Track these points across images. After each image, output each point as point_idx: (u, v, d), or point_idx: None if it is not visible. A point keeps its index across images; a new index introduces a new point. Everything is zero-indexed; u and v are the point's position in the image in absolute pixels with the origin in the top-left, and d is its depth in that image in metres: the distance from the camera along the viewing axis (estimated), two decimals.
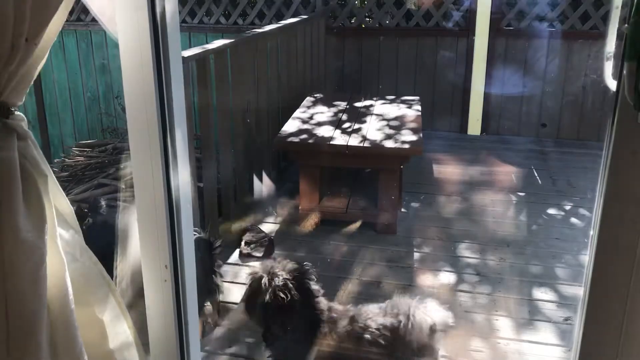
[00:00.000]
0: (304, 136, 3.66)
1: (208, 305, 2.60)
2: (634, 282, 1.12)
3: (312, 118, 4.06)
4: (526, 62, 5.66)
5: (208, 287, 2.54)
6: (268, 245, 3.47)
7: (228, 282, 3.16)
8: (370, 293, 3.03)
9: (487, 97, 5.76)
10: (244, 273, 3.23)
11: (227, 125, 3.64)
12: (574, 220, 4.02)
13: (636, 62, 0.99)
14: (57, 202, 1.34)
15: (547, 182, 4.66)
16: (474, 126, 5.86)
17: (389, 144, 3.51)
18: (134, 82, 1.33)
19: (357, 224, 3.69)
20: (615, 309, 1.14)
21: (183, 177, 1.46)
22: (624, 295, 1.13)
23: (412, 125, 3.91)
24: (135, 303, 1.64)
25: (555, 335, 2.73)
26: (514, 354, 2.61)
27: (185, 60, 3.01)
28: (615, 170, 1.12)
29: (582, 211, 4.13)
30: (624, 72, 1.01)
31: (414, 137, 3.62)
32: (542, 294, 3.07)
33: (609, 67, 1.14)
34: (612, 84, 1.12)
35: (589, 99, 5.61)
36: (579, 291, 3.17)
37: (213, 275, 2.54)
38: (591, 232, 1.19)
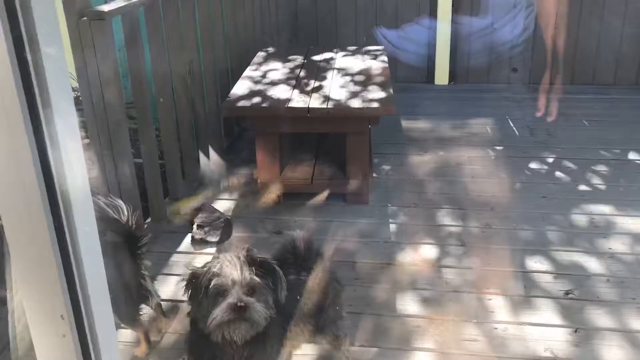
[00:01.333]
0: (257, 99, 3.17)
1: (144, 314, 2.15)
2: None
3: (265, 77, 3.56)
4: (495, 3, 5.21)
5: (137, 294, 2.08)
6: (224, 227, 3.02)
7: (177, 274, 2.70)
8: (344, 277, 2.64)
9: (454, 43, 5.33)
10: (197, 262, 2.79)
11: (166, 91, 3.11)
12: (558, 174, 3.69)
13: None
14: None
15: (524, 133, 4.31)
16: (442, 75, 5.44)
17: (356, 104, 3.06)
18: None
19: (325, 195, 3.27)
20: None
21: (75, 171, 0.98)
22: None
23: (380, 79, 3.46)
24: None
25: (557, 313, 2.40)
26: (514, 340, 2.27)
27: (106, 16, 2.47)
28: None
29: (567, 163, 3.80)
30: None
31: (383, 94, 3.18)
32: (536, 264, 2.74)
33: None
34: None
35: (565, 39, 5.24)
36: (577, 257, 2.87)
37: (141, 280, 2.07)
38: None
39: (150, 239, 2.17)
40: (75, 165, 0.96)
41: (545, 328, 2.33)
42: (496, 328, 2.34)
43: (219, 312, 1.59)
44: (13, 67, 0.82)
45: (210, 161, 3.68)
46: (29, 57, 0.84)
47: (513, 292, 2.56)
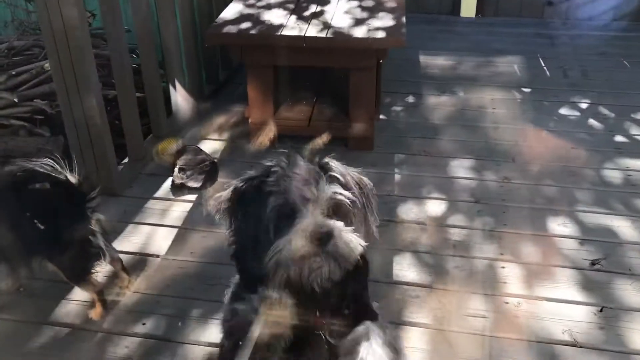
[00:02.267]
0: (247, 25, 2.75)
1: (95, 273, 1.86)
2: None
3: (260, 2, 3.12)
4: None
5: (84, 252, 1.82)
6: (209, 171, 2.69)
7: (150, 224, 2.41)
8: None
9: None
10: (175, 211, 2.50)
11: (145, 9, 2.71)
12: (592, 122, 3.25)
13: None
14: None
15: (557, 74, 3.83)
16: (469, 6, 4.90)
17: (360, 33, 2.63)
18: None
19: (324, 139, 2.89)
20: None
21: None
22: None
23: (391, 5, 3.01)
24: None
25: (580, 288, 2.06)
26: (527, 318, 1.94)
27: None
28: None
29: (602, 110, 3.36)
30: None
31: (392, 23, 2.74)
32: (559, 227, 2.38)
33: None
34: None
35: None
36: (608, 221, 2.48)
37: (90, 237, 1.80)
38: None
39: (101, 191, 1.92)
40: None
41: (565, 305, 1.99)
42: (507, 302, 2.01)
43: (286, 243, 1.12)
44: None
45: (201, 96, 3.31)
46: None
47: (530, 259, 2.21)
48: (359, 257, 1.18)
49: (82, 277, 1.86)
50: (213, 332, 1.86)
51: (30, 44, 3.10)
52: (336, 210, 1.16)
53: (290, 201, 1.13)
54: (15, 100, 2.78)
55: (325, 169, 1.18)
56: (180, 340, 1.87)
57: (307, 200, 1.13)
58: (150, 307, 1.99)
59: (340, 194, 1.15)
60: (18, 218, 1.72)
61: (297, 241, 1.11)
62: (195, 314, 1.97)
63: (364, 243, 1.17)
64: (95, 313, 1.96)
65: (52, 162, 1.73)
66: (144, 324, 1.93)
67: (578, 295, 2.03)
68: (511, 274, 2.13)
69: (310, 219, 1.12)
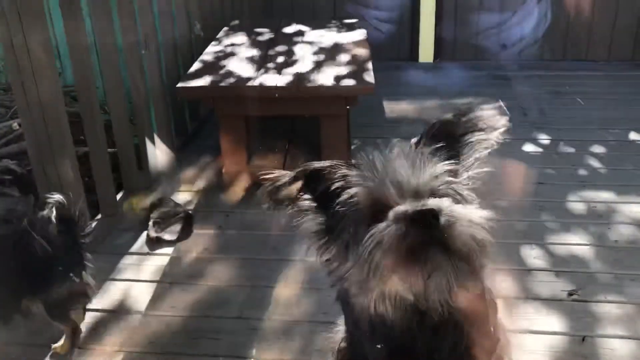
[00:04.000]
0: (217, 78, 2.79)
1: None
2: None
3: (230, 53, 3.18)
4: None
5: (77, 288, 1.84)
6: (184, 223, 2.68)
7: (127, 280, 2.37)
8: (320, 279, 2.31)
9: (439, 17, 4.97)
10: (151, 265, 2.45)
11: (114, 69, 2.73)
12: (555, 157, 3.38)
13: None
14: None
15: (517, 114, 3.98)
16: (426, 52, 5.09)
17: (332, 82, 2.71)
18: None
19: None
20: None
21: None
22: None
23: (358, 55, 3.11)
24: None
25: (561, 318, 2.10)
26: (513, 351, 1.96)
27: None
28: None
29: (563, 145, 3.50)
30: None
31: (362, 71, 2.83)
32: (534, 260, 2.43)
33: None
34: None
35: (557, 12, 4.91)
36: (580, 251, 2.54)
37: (83, 272, 1.83)
38: None
39: (92, 229, 1.98)
40: None
41: (548, 336, 2.02)
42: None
43: (384, 231, 0.84)
44: None
45: (172, 148, 3.31)
46: None
47: (509, 293, 2.25)
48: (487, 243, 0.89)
49: (66, 313, 1.86)
50: None
51: None
52: (445, 195, 0.93)
53: (378, 192, 0.89)
54: None
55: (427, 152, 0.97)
56: None
57: (401, 189, 0.89)
58: None
59: (448, 176, 0.93)
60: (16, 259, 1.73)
61: (394, 229, 0.83)
62: None
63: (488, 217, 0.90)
64: (62, 348, 1.93)
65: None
66: None
67: (559, 326, 2.06)
68: None
69: (407, 204, 0.85)
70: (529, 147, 3.50)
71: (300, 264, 2.41)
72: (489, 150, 1.11)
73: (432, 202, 0.86)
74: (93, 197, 2.73)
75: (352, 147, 3.44)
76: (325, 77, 2.76)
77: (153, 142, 3.13)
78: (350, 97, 2.70)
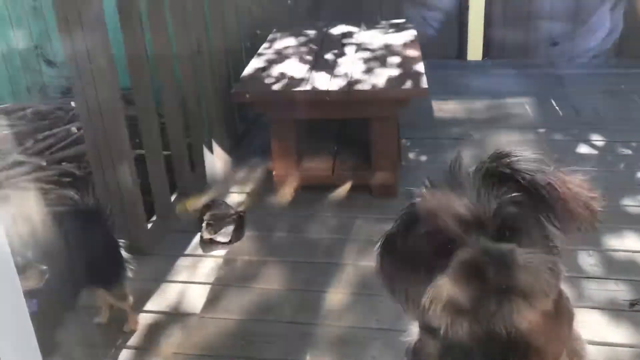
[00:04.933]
0: (270, 82, 2.82)
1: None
2: None
3: (280, 57, 3.20)
4: None
5: (122, 264, 2.06)
6: (237, 225, 2.72)
7: (183, 282, 2.42)
8: (372, 284, 2.31)
9: (488, 14, 4.88)
10: (205, 267, 2.50)
11: (169, 75, 2.79)
12: (611, 159, 3.28)
13: None
14: None
15: (569, 113, 3.88)
16: (475, 50, 5.00)
17: (383, 85, 2.70)
18: None
19: (348, 188, 2.93)
20: None
21: None
22: None
23: (409, 56, 3.09)
24: None
25: (624, 330, 2.04)
26: None
27: None
28: None
29: (620, 147, 3.39)
30: None
31: (413, 73, 2.81)
32: (591, 268, 2.37)
33: None
34: None
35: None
36: (639, 258, 2.47)
37: (119, 252, 2.06)
38: None
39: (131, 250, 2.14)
40: None
41: (609, 348, 1.97)
42: None
43: (439, 288, 0.83)
44: None
45: (224, 152, 3.36)
46: None
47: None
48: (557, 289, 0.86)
49: (123, 287, 2.06)
50: None
51: (54, 107, 3.17)
52: (514, 227, 0.86)
53: (439, 228, 0.84)
54: (44, 163, 2.82)
55: (494, 169, 0.90)
56: None
57: (463, 222, 0.83)
58: None
59: (514, 203, 0.84)
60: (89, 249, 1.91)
61: (455, 281, 0.80)
62: None
63: (562, 267, 0.86)
64: (132, 323, 2.12)
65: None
66: None
67: (621, 337, 2.01)
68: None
69: (470, 246, 0.81)
70: (582, 149, 3.40)
71: (352, 268, 2.42)
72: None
73: (494, 247, 0.82)
74: (148, 199, 2.79)
75: (403, 147, 3.43)
76: (377, 80, 2.75)
77: (205, 145, 3.18)
78: (402, 99, 2.69)
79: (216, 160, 3.25)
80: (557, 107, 3.98)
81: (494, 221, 0.84)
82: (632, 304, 2.15)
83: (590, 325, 2.06)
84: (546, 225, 0.90)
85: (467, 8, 4.86)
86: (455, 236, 0.84)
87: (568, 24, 4.84)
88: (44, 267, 1.69)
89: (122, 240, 2.10)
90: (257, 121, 3.88)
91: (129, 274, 2.08)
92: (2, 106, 3.22)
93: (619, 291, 2.22)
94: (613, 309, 2.13)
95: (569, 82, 4.44)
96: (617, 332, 2.02)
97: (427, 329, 0.96)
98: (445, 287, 0.82)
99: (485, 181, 0.88)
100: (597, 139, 3.50)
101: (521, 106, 4.05)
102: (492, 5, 4.85)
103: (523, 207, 0.86)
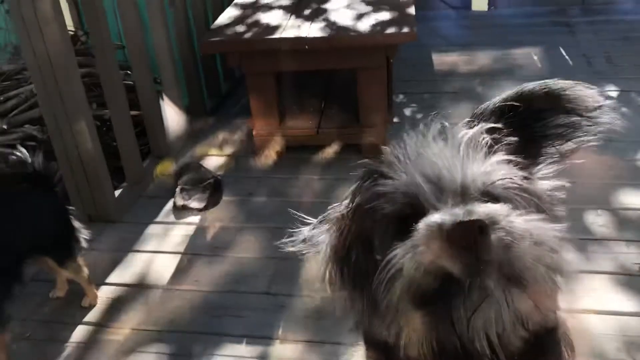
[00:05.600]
0: (243, 30, 2.56)
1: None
2: None
3: (258, 4, 2.93)
4: None
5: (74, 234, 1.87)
6: (213, 190, 2.50)
7: (150, 251, 2.22)
8: None
9: None
10: (176, 235, 2.30)
11: (135, 23, 2.53)
12: (625, 110, 2.99)
13: None
14: None
15: (580, 63, 3.58)
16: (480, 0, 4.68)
17: (368, 29, 2.43)
18: None
19: (335, 148, 2.70)
20: None
21: None
22: None
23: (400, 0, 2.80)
24: None
25: (633, 296, 1.81)
26: (576, 336, 1.70)
27: None
28: None
29: (635, 97, 3.11)
30: None
31: (403, 17, 2.53)
32: (601, 229, 2.14)
33: None
34: None
35: None
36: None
37: (68, 220, 1.86)
38: None
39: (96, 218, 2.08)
40: None
41: (617, 318, 1.75)
42: None
43: (408, 254, 0.62)
44: None
45: (202, 109, 3.13)
46: None
47: (571, 267, 1.97)
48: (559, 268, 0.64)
49: (75, 259, 1.86)
50: None
51: (20, 67, 2.95)
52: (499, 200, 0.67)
53: (411, 195, 0.66)
54: (5, 127, 2.62)
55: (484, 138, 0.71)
56: None
57: (441, 190, 0.65)
58: (151, 346, 1.79)
59: (506, 173, 0.67)
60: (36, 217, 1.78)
61: (429, 246, 0.60)
62: (200, 351, 1.76)
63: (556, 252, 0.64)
64: (91, 297, 1.95)
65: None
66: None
67: (630, 305, 1.79)
68: None
69: (447, 211, 0.62)
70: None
71: None
72: (588, 142, 0.79)
73: (482, 209, 0.61)
74: (120, 164, 2.59)
75: (397, 101, 3.18)
76: (362, 26, 2.48)
77: (182, 104, 2.95)
78: (390, 46, 2.42)
79: (194, 121, 3.01)
80: (567, 57, 3.69)
81: (478, 192, 0.66)
82: None
83: (598, 293, 1.84)
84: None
85: None
86: (427, 205, 0.65)
87: None
88: None
89: (73, 208, 1.92)
90: (243, 80, 3.62)
91: (83, 244, 1.89)
92: None
93: (630, 254, 1.99)
94: (623, 274, 1.91)
95: (580, 29, 4.12)
96: (627, 300, 1.80)
97: (374, 342, 0.75)
98: (406, 259, 0.61)
99: (474, 138, 0.70)
100: (611, 89, 3.22)
101: (528, 57, 3.76)
102: None
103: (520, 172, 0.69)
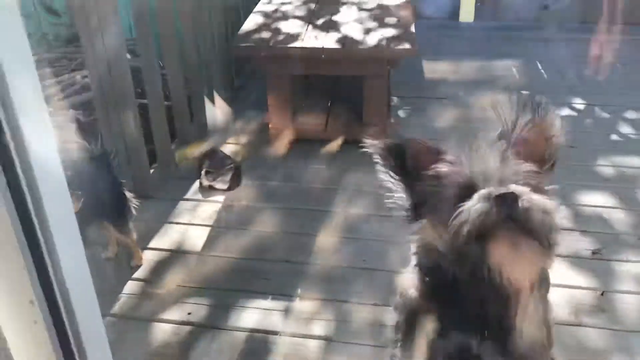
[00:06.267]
0: (267, 38, 2.95)
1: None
2: None
3: (278, 12, 3.32)
4: None
5: (125, 202, 2.25)
6: (234, 173, 2.89)
7: (184, 223, 2.60)
8: (359, 229, 2.52)
9: None
10: (205, 211, 2.68)
11: (170, 28, 2.90)
12: (588, 121, 3.47)
13: None
14: None
15: (554, 77, 4.05)
16: (467, 11, 5.11)
17: (375, 43, 2.84)
18: None
19: (340, 142, 3.10)
20: None
21: (41, 141, 0.83)
22: None
23: (401, 16, 3.21)
24: None
25: (583, 274, 2.27)
26: None
27: None
28: None
29: (598, 110, 3.57)
30: None
31: (405, 34, 2.94)
32: (562, 221, 2.56)
33: None
34: None
35: None
36: (605, 214, 2.69)
37: (123, 189, 2.25)
38: None
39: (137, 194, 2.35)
40: (41, 135, 0.81)
41: (568, 290, 2.19)
42: None
43: (473, 207, 0.98)
44: None
45: (222, 104, 3.51)
46: None
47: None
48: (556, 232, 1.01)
49: (127, 224, 2.26)
50: (250, 319, 2.06)
51: (59, 56, 3.28)
52: (525, 180, 1.06)
53: (468, 176, 1.03)
54: (50, 109, 2.95)
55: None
56: (222, 327, 2.06)
57: (487, 176, 1.03)
58: (192, 299, 2.18)
59: (528, 171, 1.06)
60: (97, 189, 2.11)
61: (480, 207, 0.96)
62: (233, 304, 2.15)
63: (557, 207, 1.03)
64: (137, 258, 2.32)
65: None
66: (189, 313, 2.12)
67: (580, 281, 2.23)
68: None
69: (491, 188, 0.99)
70: (564, 111, 3.58)
71: (341, 215, 2.61)
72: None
73: (514, 187, 1.00)
74: (151, 147, 2.95)
75: (392, 104, 3.59)
76: (370, 39, 2.89)
77: (205, 96, 3.32)
78: (393, 58, 2.84)
79: (215, 111, 3.39)
80: (542, 71, 4.14)
81: (510, 180, 1.05)
82: (594, 252, 2.37)
83: (554, 272, 2.28)
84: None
85: None
86: (479, 186, 1.02)
87: None
88: (79, 192, 1.85)
89: (124, 181, 2.31)
90: (252, 76, 4.01)
91: (133, 211, 2.26)
92: None
93: (583, 241, 2.44)
94: (577, 257, 2.35)
95: (556, 46, 4.58)
96: (578, 277, 2.25)
97: (423, 266, 1.15)
98: (473, 209, 0.98)
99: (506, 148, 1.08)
100: (578, 102, 3.68)
101: (508, 68, 4.21)
102: None
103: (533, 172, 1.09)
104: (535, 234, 0.99)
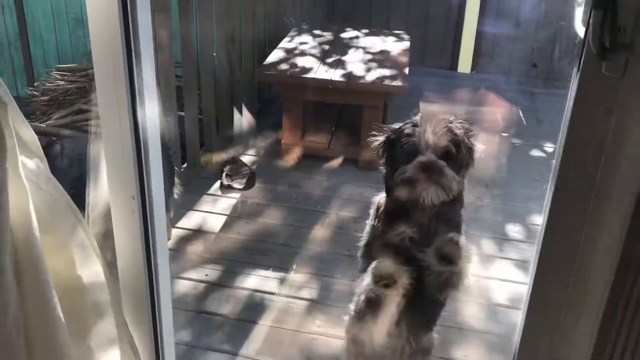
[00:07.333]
0: (287, 68, 3.60)
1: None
2: (586, 233, 1.13)
3: (297, 49, 3.98)
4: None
5: (168, 190, 2.66)
6: (249, 177, 3.48)
7: (206, 211, 3.19)
8: (347, 227, 3.08)
9: (479, 33, 5.65)
10: (223, 203, 3.27)
11: (209, 55, 3.56)
12: (554, 162, 4.03)
13: (602, 11, 0.97)
14: (20, 130, 1.32)
15: (531, 124, 4.65)
16: (465, 62, 5.78)
17: (373, 80, 3.47)
18: (96, 6, 1.28)
19: (340, 160, 3.70)
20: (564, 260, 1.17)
21: (151, 109, 1.43)
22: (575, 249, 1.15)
23: (399, 60, 3.85)
24: (108, 236, 1.65)
25: (526, 274, 2.81)
26: (479, 290, 2.69)
27: None
28: (577, 120, 1.12)
29: None
30: (591, 20, 1.00)
31: (399, 74, 3.57)
32: (515, 234, 3.14)
33: (579, 14, 1.12)
34: (581, 31, 1.10)
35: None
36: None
37: (173, 177, 2.75)
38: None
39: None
40: (150, 106, 1.41)
41: (511, 284, 2.73)
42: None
43: (409, 169, 1.60)
44: (120, 31, 1.26)
45: (243, 121, 4.14)
46: (130, 20, 1.29)
47: (489, 253, 2.97)
48: (455, 192, 1.62)
49: (168, 205, 2.68)
50: (253, 283, 2.62)
51: None
52: (447, 156, 1.61)
53: (417, 143, 1.61)
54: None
55: (447, 126, 1.63)
56: (232, 286, 2.62)
57: (428, 145, 1.59)
58: (209, 265, 2.75)
59: (449, 145, 1.60)
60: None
61: (413, 168, 1.59)
62: (241, 271, 2.71)
63: (458, 182, 1.63)
64: (167, 233, 2.74)
65: None
66: (206, 275, 2.68)
67: (522, 278, 2.77)
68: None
69: (426, 156, 1.59)
70: (535, 152, 4.17)
71: (335, 215, 3.19)
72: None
73: (435, 160, 1.60)
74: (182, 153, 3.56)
75: None
76: (369, 76, 3.53)
77: (231, 114, 3.96)
78: (386, 92, 3.46)
79: (237, 127, 4.03)
80: (522, 118, 4.75)
81: (441, 150, 1.62)
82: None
83: (504, 270, 2.83)
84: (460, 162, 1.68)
85: (462, 25, 5.63)
86: (421, 149, 1.62)
87: (548, 50, 5.61)
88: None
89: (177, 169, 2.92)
90: (270, 102, 4.66)
91: (175, 195, 2.82)
92: (69, 66, 3.98)
93: (530, 250, 2.99)
94: (522, 261, 2.89)
95: (540, 98, 5.21)
96: (520, 275, 2.79)
97: (390, 191, 1.77)
98: (409, 168, 1.61)
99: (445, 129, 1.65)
100: (549, 146, 4.27)
101: (494, 114, 4.82)
102: (484, 25, 5.62)
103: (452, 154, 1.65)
104: (443, 187, 1.63)
